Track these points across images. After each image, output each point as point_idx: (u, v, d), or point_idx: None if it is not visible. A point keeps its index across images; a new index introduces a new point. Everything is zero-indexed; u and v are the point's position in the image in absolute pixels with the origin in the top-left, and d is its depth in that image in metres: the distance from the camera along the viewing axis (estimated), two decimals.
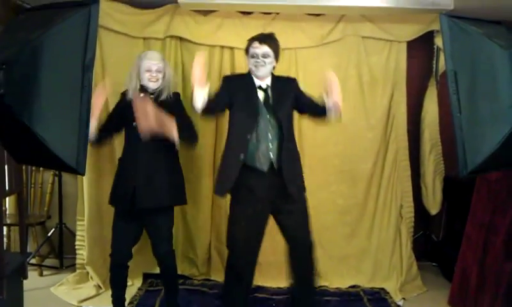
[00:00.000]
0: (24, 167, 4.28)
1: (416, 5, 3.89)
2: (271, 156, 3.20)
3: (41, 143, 2.11)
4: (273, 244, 4.10)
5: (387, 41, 4.38)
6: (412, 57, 4.50)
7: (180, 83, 4.31)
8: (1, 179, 3.10)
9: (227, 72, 4.31)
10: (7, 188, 3.22)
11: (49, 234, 4.69)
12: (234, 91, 3.27)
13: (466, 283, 3.84)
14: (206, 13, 4.27)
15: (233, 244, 3.27)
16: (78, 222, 4.33)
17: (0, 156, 3.05)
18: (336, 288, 4.26)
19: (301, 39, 4.31)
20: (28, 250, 4.20)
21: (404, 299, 4.20)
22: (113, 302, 3.53)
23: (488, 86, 2.44)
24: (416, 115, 4.64)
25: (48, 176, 4.69)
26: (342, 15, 4.29)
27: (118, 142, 3.79)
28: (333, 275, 4.26)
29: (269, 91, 3.26)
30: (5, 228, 4.35)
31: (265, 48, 3.22)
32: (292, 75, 4.21)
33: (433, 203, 4.66)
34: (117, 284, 3.52)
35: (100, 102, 3.23)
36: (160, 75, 3.37)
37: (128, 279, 3.66)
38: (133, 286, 4.20)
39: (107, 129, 3.44)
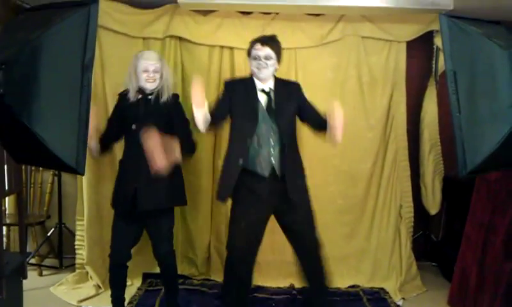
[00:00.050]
0: (23, 167, 4.28)
1: (416, 5, 3.89)
2: (273, 162, 3.19)
3: (41, 143, 2.11)
4: (272, 244, 4.12)
5: (387, 41, 4.38)
6: (412, 57, 4.51)
7: (179, 83, 4.32)
8: (1, 179, 3.10)
9: (227, 72, 4.32)
10: (6, 188, 3.22)
11: (49, 234, 4.69)
12: (235, 96, 3.25)
13: (465, 283, 3.84)
14: (206, 13, 4.27)
15: (232, 245, 3.27)
16: (77, 222, 4.33)
17: (0, 156, 3.05)
18: (336, 288, 4.24)
19: (301, 39, 4.30)
20: (28, 250, 4.21)
21: (403, 298, 4.20)
22: (112, 302, 3.53)
23: (487, 86, 2.44)
24: (415, 115, 4.64)
25: (47, 176, 4.69)
26: (341, 15, 4.29)
27: (118, 143, 3.78)
28: (332, 275, 4.25)
29: (272, 95, 3.24)
30: (4, 228, 4.35)
31: (267, 50, 3.20)
32: (292, 75, 4.24)
33: (433, 203, 4.66)
34: (116, 285, 3.52)
35: (94, 125, 3.22)
36: (157, 75, 3.34)
37: (127, 279, 3.66)
38: (132, 286, 4.20)
39: (108, 137, 3.45)
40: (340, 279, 4.33)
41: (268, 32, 4.18)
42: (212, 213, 4.46)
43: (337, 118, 3.05)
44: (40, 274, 4.52)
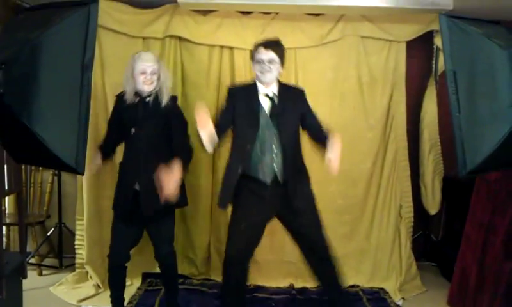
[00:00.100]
0: (23, 167, 4.28)
1: (416, 5, 3.89)
2: (275, 168, 3.18)
3: (41, 143, 2.11)
4: (272, 244, 4.12)
5: (386, 41, 4.37)
6: (411, 57, 4.50)
7: (179, 83, 4.32)
8: (1, 178, 3.10)
9: (226, 72, 4.32)
10: (6, 187, 3.22)
11: (48, 233, 4.68)
12: (237, 102, 3.23)
13: (465, 283, 3.84)
14: (205, 12, 4.27)
15: (231, 246, 3.24)
16: (77, 222, 4.33)
17: (0, 155, 3.05)
18: None
19: (301, 39, 4.30)
20: (27, 249, 4.20)
21: (403, 298, 4.20)
22: (112, 302, 3.53)
23: (487, 86, 2.45)
24: (415, 115, 4.64)
25: (47, 175, 4.69)
26: (341, 15, 4.28)
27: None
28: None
29: (276, 100, 3.21)
30: (4, 228, 4.35)
31: (270, 54, 3.17)
32: (292, 75, 4.24)
33: (432, 202, 4.66)
34: (115, 285, 3.52)
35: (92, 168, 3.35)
36: (155, 77, 3.30)
37: (127, 279, 3.66)
38: (132, 286, 4.20)
39: (109, 144, 3.45)
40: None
41: (268, 32, 4.20)
42: (212, 213, 4.46)
43: (335, 151, 3.00)
44: (40, 274, 4.52)
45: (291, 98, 3.27)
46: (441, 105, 4.50)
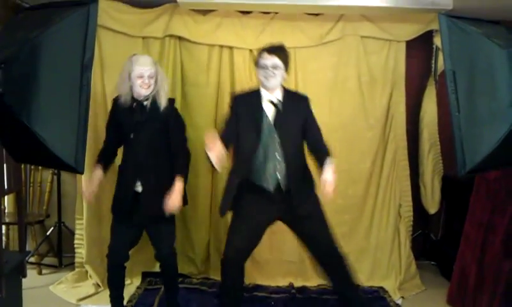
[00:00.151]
0: (22, 166, 4.28)
1: (416, 5, 3.89)
2: (278, 177, 3.16)
3: (40, 142, 2.12)
4: (272, 243, 4.13)
5: (386, 40, 4.37)
6: (411, 57, 4.50)
7: (179, 82, 4.33)
8: (0, 178, 3.10)
9: (226, 71, 4.32)
10: (6, 187, 3.22)
11: (48, 233, 4.68)
12: (240, 109, 3.20)
13: (464, 282, 3.84)
14: (205, 12, 4.27)
15: (230, 246, 3.21)
16: (77, 221, 4.33)
17: None
18: None
19: (300, 38, 4.30)
20: (27, 249, 4.21)
21: (402, 297, 4.20)
22: (111, 301, 3.53)
23: (486, 85, 2.45)
24: (415, 115, 4.64)
25: (47, 175, 4.69)
26: (341, 15, 4.28)
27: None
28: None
29: (280, 107, 3.18)
30: (4, 227, 4.35)
31: (274, 59, 3.13)
32: (291, 75, 4.21)
33: (432, 202, 4.66)
34: (114, 285, 3.51)
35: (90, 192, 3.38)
36: (152, 81, 3.26)
37: (127, 278, 3.66)
38: (132, 285, 4.21)
39: (111, 148, 3.46)
40: None
41: (267, 31, 4.21)
42: (211, 212, 4.46)
43: (328, 186, 2.97)
44: (40, 273, 4.53)
45: (295, 105, 3.24)
46: (440, 105, 4.50)
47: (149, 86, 3.25)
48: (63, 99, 2.21)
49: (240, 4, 4.08)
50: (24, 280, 3.42)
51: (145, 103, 3.29)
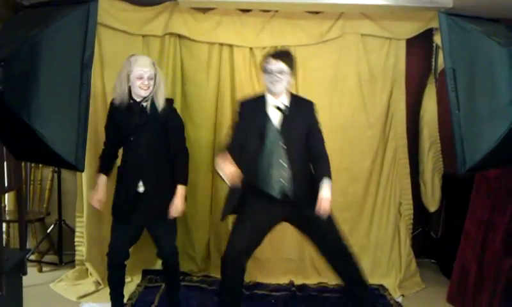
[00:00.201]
0: (23, 164, 4.28)
1: (416, 3, 3.89)
2: (284, 183, 3.16)
3: (40, 140, 2.12)
4: (272, 241, 4.12)
5: (386, 38, 4.37)
6: (411, 55, 4.50)
7: (179, 81, 4.33)
8: (0, 175, 3.11)
9: (226, 70, 4.31)
10: (6, 184, 3.22)
11: (48, 230, 4.69)
12: (247, 115, 3.21)
13: (464, 280, 3.84)
14: (205, 10, 4.27)
15: (231, 246, 3.20)
16: (77, 219, 4.34)
17: (0, 152, 3.05)
18: (335, 285, 4.25)
19: (300, 36, 4.30)
20: (27, 246, 4.20)
21: (402, 295, 4.21)
22: (111, 299, 3.53)
23: (486, 84, 2.45)
24: (415, 113, 4.64)
25: (47, 172, 4.70)
26: (341, 13, 4.28)
27: None
28: (332, 272, 4.26)
29: (287, 112, 3.18)
30: (4, 225, 4.36)
31: (280, 65, 3.13)
32: None
33: (432, 200, 4.66)
34: (114, 283, 3.51)
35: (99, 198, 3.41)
36: (152, 82, 3.24)
37: (127, 276, 3.67)
38: (132, 283, 4.21)
39: (112, 148, 3.45)
40: None
41: (267, 29, 4.21)
42: (211, 210, 4.46)
43: (324, 204, 3.03)
44: (40, 271, 4.53)
45: (300, 110, 3.24)
46: (440, 103, 4.50)
47: (148, 87, 3.23)
48: (63, 97, 2.21)
49: (240, 2, 4.08)
50: (24, 278, 3.43)
51: (144, 104, 3.27)
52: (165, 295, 3.75)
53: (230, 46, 4.31)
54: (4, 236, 4.36)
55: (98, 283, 4.18)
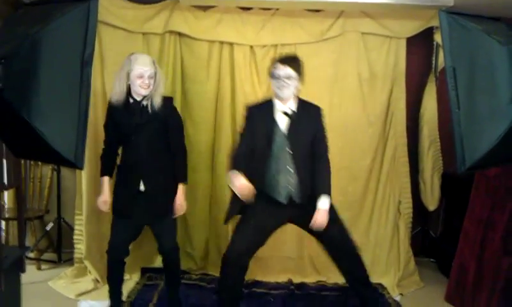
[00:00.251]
0: (22, 162, 4.28)
1: (416, 1, 3.89)
2: (291, 189, 3.17)
3: (40, 137, 2.12)
4: (272, 240, 4.10)
5: (387, 37, 4.37)
6: (411, 54, 4.50)
7: (179, 79, 4.33)
8: (0, 173, 3.10)
9: (226, 68, 4.31)
10: (6, 182, 3.21)
11: (47, 228, 4.68)
12: (255, 120, 3.21)
13: (463, 279, 3.85)
14: (205, 8, 4.26)
15: (231, 246, 3.22)
16: (76, 217, 4.33)
17: None
18: (334, 283, 4.26)
19: (301, 35, 4.30)
20: (26, 244, 4.20)
21: (401, 294, 4.21)
22: (110, 296, 3.54)
23: (486, 82, 2.45)
24: (415, 111, 4.64)
25: (46, 170, 4.69)
26: (341, 11, 4.28)
27: None
28: (330, 271, 4.25)
29: (294, 117, 3.18)
30: (3, 222, 4.34)
31: (287, 70, 3.14)
32: None
33: (431, 199, 4.66)
34: (114, 280, 3.52)
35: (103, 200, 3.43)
36: (152, 81, 3.24)
37: (126, 274, 3.67)
38: (131, 281, 4.21)
39: (112, 147, 3.45)
40: (339, 274, 4.33)
41: (268, 28, 4.21)
42: (210, 208, 4.46)
43: (320, 217, 3.10)
44: (39, 268, 4.53)
45: (308, 115, 3.25)
46: (440, 102, 4.50)
47: (149, 86, 3.24)
48: (63, 95, 2.21)
49: (241, 0, 4.08)
50: (23, 275, 3.42)
51: (145, 103, 3.27)
52: (165, 292, 3.75)
53: (231, 44, 4.31)
54: (3, 233, 4.35)
55: (97, 281, 4.18)
